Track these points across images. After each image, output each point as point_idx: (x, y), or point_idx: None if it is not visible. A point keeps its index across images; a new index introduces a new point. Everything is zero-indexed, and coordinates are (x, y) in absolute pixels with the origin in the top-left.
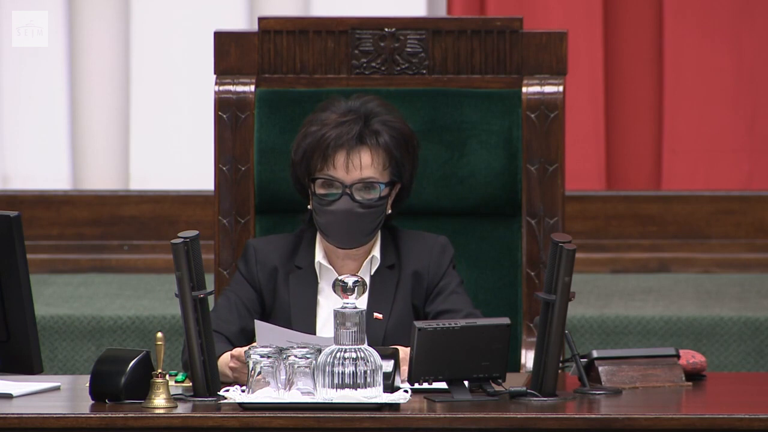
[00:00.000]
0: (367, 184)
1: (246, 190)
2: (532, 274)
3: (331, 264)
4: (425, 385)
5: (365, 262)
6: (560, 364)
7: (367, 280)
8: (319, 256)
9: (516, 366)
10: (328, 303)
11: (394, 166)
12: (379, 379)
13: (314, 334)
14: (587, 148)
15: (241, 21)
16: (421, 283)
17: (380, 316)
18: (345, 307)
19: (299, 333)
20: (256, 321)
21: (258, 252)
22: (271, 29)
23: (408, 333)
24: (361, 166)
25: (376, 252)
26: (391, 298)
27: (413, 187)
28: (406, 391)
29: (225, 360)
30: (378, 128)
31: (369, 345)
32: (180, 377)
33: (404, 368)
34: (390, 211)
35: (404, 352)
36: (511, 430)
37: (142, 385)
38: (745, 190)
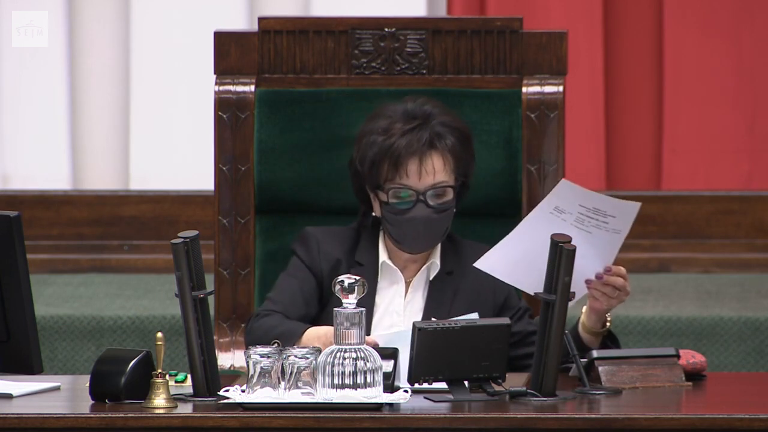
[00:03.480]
0: (440, 189)
1: (246, 190)
2: None
3: (394, 265)
4: (425, 385)
5: (424, 268)
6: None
7: (426, 285)
8: (384, 256)
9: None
10: (383, 303)
11: (460, 167)
12: (379, 379)
13: (368, 333)
14: (587, 148)
15: (241, 21)
16: (483, 295)
17: None
18: (345, 307)
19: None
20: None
21: (320, 242)
22: (271, 29)
23: None
24: (434, 171)
25: (436, 259)
26: (448, 304)
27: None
28: (406, 391)
29: (318, 334)
30: (441, 131)
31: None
32: (180, 377)
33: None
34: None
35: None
36: (511, 430)
37: (142, 385)
38: (745, 190)
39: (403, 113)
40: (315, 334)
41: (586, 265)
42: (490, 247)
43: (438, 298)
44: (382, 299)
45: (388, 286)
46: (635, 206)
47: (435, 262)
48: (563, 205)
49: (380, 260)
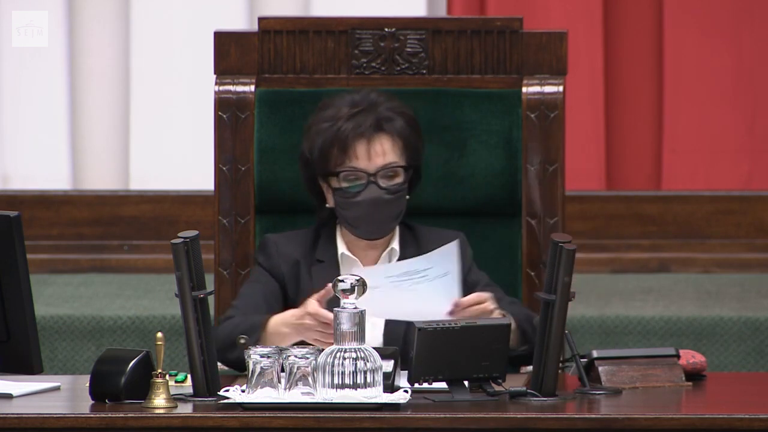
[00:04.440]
0: (390, 170)
1: (246, 190)
2: (532, 274)
3: (354, 255)
4: (425, 385)
5: (384, 254)
6: (560, 364)
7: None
8: (342, 248)
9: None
10: None
11: (410, 151)
12: (379, 379)
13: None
14: (587, 148)
15: (241, 21)
16: None
17: None
18: (345, 307)
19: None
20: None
21: (279, 245)
22: (271, 29)
23: None
24: (383, 152)
25: (395, 245)
26: None
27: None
28: (406, 391)
29: (284, 319)
30: (389, 115)
31: (390, 337)
32: (180, 377)
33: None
34: (407, 197)
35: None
36: (511, 430)
37: (142, 385)
38: (745, 190)
39: (350, 102)
40: (280, 320)
41: (437, 307)
42: (449, 233)
43: None
44: None
45: None
46: (452, 244)
47: (394, 248)
48: (371, 283)
49: (339, 252)
